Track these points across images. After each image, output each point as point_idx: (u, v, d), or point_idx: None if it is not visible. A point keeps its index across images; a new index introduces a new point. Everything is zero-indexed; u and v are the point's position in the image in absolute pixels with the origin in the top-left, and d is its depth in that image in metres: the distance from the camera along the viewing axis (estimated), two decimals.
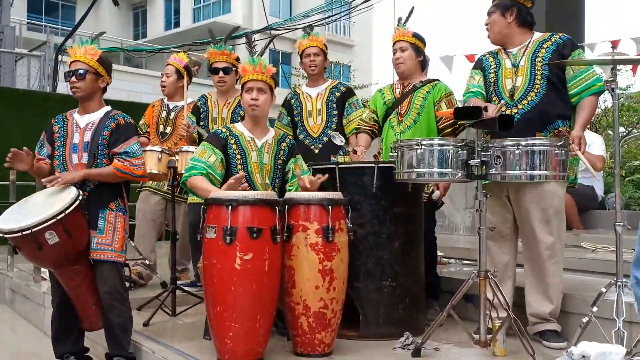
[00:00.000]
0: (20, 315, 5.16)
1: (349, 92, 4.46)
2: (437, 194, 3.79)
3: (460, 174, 3.01)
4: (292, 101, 4.49)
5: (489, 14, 3.50)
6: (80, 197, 3.02)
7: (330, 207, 3.01)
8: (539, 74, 3.32)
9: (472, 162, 2.97)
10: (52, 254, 2.96)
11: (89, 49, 3.26)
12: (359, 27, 31.56)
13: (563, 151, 2.91)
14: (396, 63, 3.98)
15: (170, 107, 4.88)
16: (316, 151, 4.29)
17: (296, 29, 12.07)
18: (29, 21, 25.50)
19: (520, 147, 2.89)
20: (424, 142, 3.03)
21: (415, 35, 3.96)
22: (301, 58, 4.46)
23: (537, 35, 3.46)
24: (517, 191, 3.29)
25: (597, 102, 3.42)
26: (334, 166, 3.49)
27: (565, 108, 3.35)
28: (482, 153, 2.97)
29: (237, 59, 4.42)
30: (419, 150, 3.02)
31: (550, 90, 3.32)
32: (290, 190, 3.36)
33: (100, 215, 3.14)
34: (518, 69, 3.37)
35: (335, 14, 12.58)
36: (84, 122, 3.26)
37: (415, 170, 3.03)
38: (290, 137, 3.61)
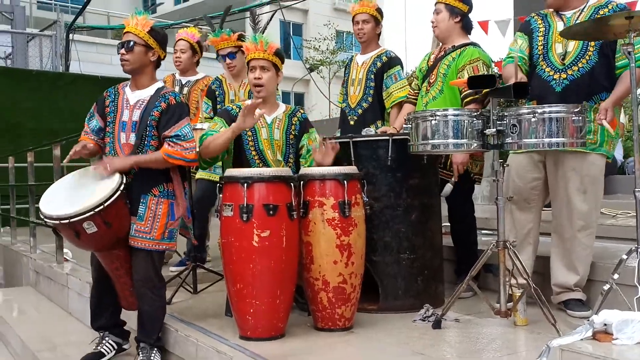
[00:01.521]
0: (44, 296, 5.25)
1: (391, 62, 4.17)
2: (448, 188, 3.66)
3: (475, 144, 2.97)
4: (347, 68, 4.40)
5: None
6: (122, 186, 2.94)
7: (345, 181, 3.00)
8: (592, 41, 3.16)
9: (487, 131, 2.93)
10: (90, 242, 2.96)
11: (140, 19, 3.13)
12: None
13: (580, 117, 2.85)
14: (432, 27, 3.87)
15: (183, 82, 4.87)
16: (351, 122, 4.17)
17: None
18: (39, 0, 25.46)
19: (537, 114, 2.84)
20: (438, 113, 3.00)
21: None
22: (353, 24, 4.26)
23: (593, 0, 3.30)
24: (556, 158, 3.21)
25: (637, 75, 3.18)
26: (348, 140, 3.46)
27: (612, 80, 3.21)
28: (498, 122, 2.92)
29: (240, 37, 4.34)
30: (433, 122, 2.98)
31: (601, 59, 3.19)
32: (304, 166, 3.35)
33: (141, 200, 3.05)
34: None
35: None
36: (134, 98, 3.13)
37: (430, 141, 3.00)
38: (301, 111, 3.57)
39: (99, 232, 2.89)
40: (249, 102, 3.40)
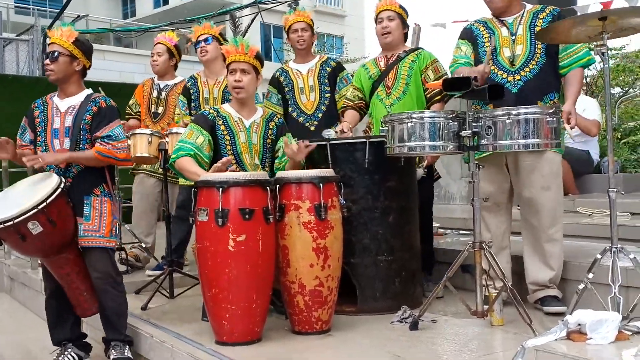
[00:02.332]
0: (19, 303, 5.17)
1: (340, 67, 4.39)
2: (420, 172, 3.73)
3: (451, 146, 2.98)
4: (281, 79, 4.38)
5: None
6: (62, 185, 2.97)
7: (321, 184, 2.99)
8: (539, 43, 3.29)
9: (463, 133, 2.94)
10: (37, 244, 2.92)
11: (65, 30, 3.19)
12: None
13: (554, 118, 2.88)
14: (383, 33, 3.90)
15: (161, 87, 4.83)
16: (312, 128, 4.20)
17: (286, 2, 11.92)
18: (16, 5, 25.19)
19: (511, 116, 2.86)
20: (415, 115, 3.00)
21: (402, 6, 3.92)
22: (288, 34, 4.37)
23: (529, 6, 3.44)
24: (516, 159, 3.29)
25: (583, 74, 3.48)
26: (325, 142, 3.46)
27: (558, 79, 3.37)
28: (473, 124, 2.94)
29: (221, 34, 4.39)
30: (409, 124, 2.99)
31: (548, 60, 3.31)
32: (278, 168, 3.34)
33: (85, 201, 3.10)
34: (517, 38, 3.33)
35: None
36: (64, 106, 3.19)
37: (407, 144, 3.01)
38: (279, 115, 3.57)
39: (45, 232, 2.87)
40: (225, 104, 3.39)
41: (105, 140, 3.10)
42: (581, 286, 2.81)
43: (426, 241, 3.85)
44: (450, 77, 3.56)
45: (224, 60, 4.18)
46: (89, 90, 3.26)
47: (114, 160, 3.14)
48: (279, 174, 3.15)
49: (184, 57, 5.07)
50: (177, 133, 4.07)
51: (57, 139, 3.14)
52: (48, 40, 3.25)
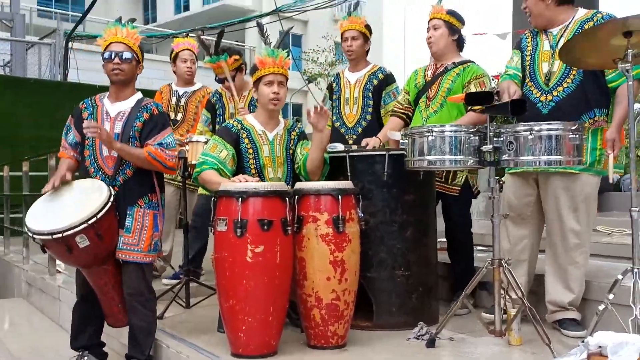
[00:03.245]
0: (36, 308, 5.20)
1: (388, 80, 4.16)
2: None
3: (472, 161, 2.96)
4: (334, 85, 4.32)
5: None
6: (112, 198, 2.92)
7: (340, 196, 2.98)
8: None
9: (484, 148, 2.91)
10: (82, 256, 2.90)
11: (131, 32, 3.12)
12: (369, 5, 31.22)
13: (577, 135, 2.83)
14: (428, 42, 3.84)
15: (180, 93, 4.84)
16: (350, 141, 4.10)
17: (305, 11, 11.96)
18: (39, 8, 25.54)
19: (533, 132, 2.82)
20: (435, 129, 2.98)
21: (450, 12, 3.78)
22: (341, 40, 4.23)
23: (581, 13, 3.22)
24: (547, 175, 3.19)
25: (636, 89, 3.06)
26: (344, 154, 3.44)
27: (603, 95, 3.16)
28: (495, 139, 2.91)
29: (237, 59, 4.28)
30: (430, 137, 2.97)
31: (587, 76, 3.11)
32: (299, 166, 3.31)
33: (128, 213, 3.04)
34: (555, 52, 3.13)
35: None
36: (114, 110, 3.11)
37: (427, 157, 2.99)
38: (299, 125, 3.55)
39: (91, 246, 2.85)
40: (249, 115, 3.38)
41: (157, 146, 3.05)
42: (601, 307, 2.76)
43: (463, 259, 3.78)
44: (473, 91, 3.54)
45: (247, 71, 4.13)
46: (139, 95, 3.18)
47: (162, 165, 3.06)
48: (298, 184, 3.14)
49: (199, 63, 5.08)
50: (197, 141, 4.09)
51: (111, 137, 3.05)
52: (105, 36, 3.12)
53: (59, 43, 12.17)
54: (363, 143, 3.75)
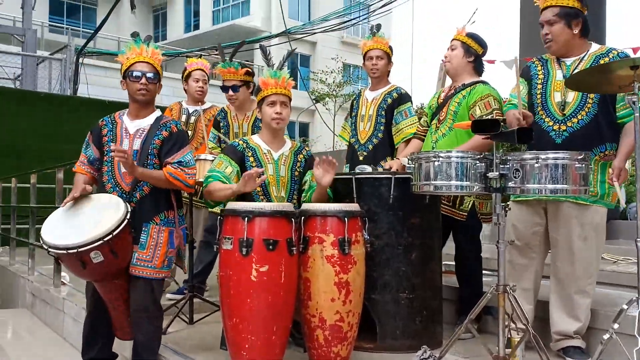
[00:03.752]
0: (40, 320, 5.21)
1: (402, 99, 4.21)
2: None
3: (478, 187, 2.96)
4: (354, 103, 4.42)
5: (551, 23, 3.21)
6: (128, 215, 2.95)
7: (346, 219, 2.99)
8: None
9: (490, 175, 2.93)
10: (95, 272, 2.93)
11: (156, 52, 3.17)
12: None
13: (583, 165, 2.85)
14: (444, 62, 3.90)
15: (190, 111, 4.89)
16: (361, 158, 4.18)
17: (313, 33, 12.08)
18: (50, 23, 25.84)
19: (540, 160, 2.84)
20: (442, 154, 2.99)
21: (469, 35, 3.83)
22: (364, 60, 4.30)
23: (594, 47, 3.25)
24: (557, 205, 3.20)
25: None
26: (351, 176, 3.47)
27: (614, 130, 3.18)
28: (501, 166, 2.92)
29: (248, 73, 4.36)
30: (436, 162, 2.98)
31: (601, 110, 3.14)
32: (304, 201, 3.35)
33: (143, 229, 3.07)
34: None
35: (354, 18, 12.53)
36: (133, 127, 3.16)
37: (433, 182, 3.00)
38: (307, 148, 3.59)
39: (105, 262, 2.88)
40: (254, 135, 3.42)
41: (176, 165, 3.08)
42: (606, 336, 2.76)
43: (470, 284, 3.78)
44: (481, 114, 3.56)
45: (253, 92, 4.19)
46: (158, 112, 3.23)
47: (183, 184, 3.10)
48: (305, 206, 3.16)
49: (211, 82, 5.16)
50: (204, 160, 4.12)
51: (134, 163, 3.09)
52: (129, 54, 3.14)
53: (70, 58, 12.31)
54: (386, 166, 3.78)
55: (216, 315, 3.78)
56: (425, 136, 3.99)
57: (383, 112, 4.19)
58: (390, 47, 4.26)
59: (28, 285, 5.70)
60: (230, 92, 4.35)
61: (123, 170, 3.08)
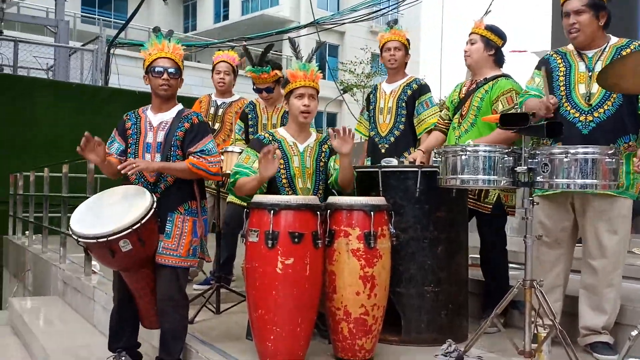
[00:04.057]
0: (71, 307, 5.32)
1: (422, 90, 4.25)
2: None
3: (505, 181, 2.94)
4: (371, 96, 4.43)
5: (578, 12, 3.16)
6: (155, 205, 3.01)
7: (372, 212, 2.99)
8: None
9: (518, 169, 2.90)
10: (124, 260, 2.99)
11: (177, 47, 3.23)
12: (407, 19, 31.23)
13: (614, 159, 2.80)
14: (465, 56, 3.87)
15: (219, 104, 4.93)
16: (382, 150, 4.19)
17: (342, 23, 12.03)
18: (83, 14, 26.19)
19: (569, 155, 2.80)
20: (469, 148, 2.98)
21: (488, 28, 3.79)
22: (381, 52, 4.32)
23: (614, 40, 3.23)
24: (584, 200, 3.18)
25: None
26: (377, 169, 3.46)
27: (636, 121, 3.16)
28: (529, 160, 2.89)
29: (278, 68, 4.35)
30: (463, 157, 2.96)
31: (626, 100, 3.11)
32: (330, 183, 3.33)
33: (168, 219, 3.13)
34: (594, 74, 3.09)
35: (383, 8, 12.45)
36: (157, 120, 3.23)
37: (460, 176, 2.98)
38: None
39: (133, 250, 2.93)
40: (280, 128, 3.43)
41: (199, 154, 3.14)
42: (634, 332, 2.72)
43: (495, 278, 3.76)
44: (508, 112, 3.52)
45: (281, 85, 4.20)
46: (180, 106, 3.29)
47: (206, 173, 3.16)
48: (331, 199, 3.16)
49: (239, 72, 5.17)
50: (232, 152, 4.15)
51: (149, 154, 3.18)
52: (151, 49, 3.20)
53: (101, 49, 12.47)
54: (410, 158, 3.78)
55: (242, 305, 3.82)
56: (446, 129, 3.97)
57: (403, 104, 4.20)
58: (407, 40, 4.27)
59: (60, 273, 5.82)
60: (265, 94, 4.37)
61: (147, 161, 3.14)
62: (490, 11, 3.88)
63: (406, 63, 4.32)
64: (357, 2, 12.60)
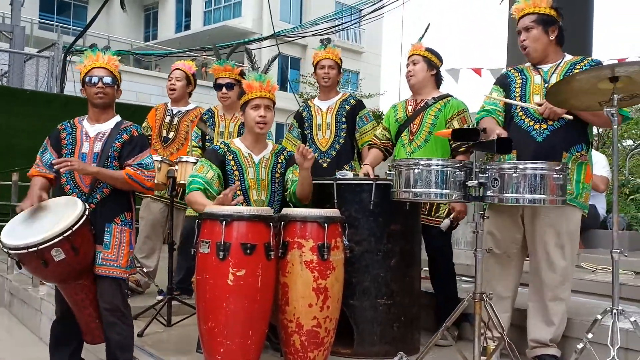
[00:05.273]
0: (17, 319, 5.17)
1: (359, 105, 4.41)
2: (446, 222, 3.70)
3: (457, 195, 2.98)
4: (304, 114, 4.47)
5: (527, 29, 3.32)
6: (87, 212, 2.97)
7: (326, 224, 3.00)
8: None
9: (469, 183, 2.94)
10: (57, 270, 2.91)
11: (112, 58, 3.24)
12: (368, 33, 31.60)
13: (561, 175, 2.87)
14: (407, 76, 3.96)
15: (174, 112, 4.90)
16: (324, 165, 4.24)
17: (304, 36, 12.09)
18: (40, 20, 25.69)
19: (518, 170, 2.86)
20: (422, 162, 3.01)
21: (429, 50, 3.93)
22: (315, 69, 4.42)
23: (569, 57, 3.37)
24: (533, 212, 3.25)
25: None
26: (332, 182, 3.47)
27: (587, 133, 3.29)
28: (480, 175, 2.94)
29: (241, 74, 4.39)
30: (416, 170, 2.99)
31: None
32: (288, 194, 3.34)
33: (106, 229, 3.09)
34: (549, 85, 3.20)
35: (345, 22, 12.55)
36: (94, 131, 3.20)
37: (413, 189, 3.01)
38: (288, 149, 3.59)
39: (67, 259, 2.86)
40: (236, 139, 3.42)
41: (136, 166, 3.12)
42: (580, 345, 2.78)
43: (445, 290, 3.80)
44: (459, 127, 3.59)
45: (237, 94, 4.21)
46: (118, 117, 3.27)
47: (140, 186, 3.14)
48: (285, 210, 3.15)
49: (199, 82, 5.16)
50: (186, 161, 4.12)
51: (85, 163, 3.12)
52: (86, 62, 3.22)
53: (58, 56, 12.23)
54: (363, 172, 3.81)
55: (194, 318, 3.76)
56: (383, 148, 4.05)
57: (343, 119, 4.32)
58: (340, 59, 4.41)
59: (7, 284, 5.66)
60: (224, 90, 4.40)
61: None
62: (423, 37, 4.01)
63: (339, 81, 4.46)
64: (319, 16, 12.67)
